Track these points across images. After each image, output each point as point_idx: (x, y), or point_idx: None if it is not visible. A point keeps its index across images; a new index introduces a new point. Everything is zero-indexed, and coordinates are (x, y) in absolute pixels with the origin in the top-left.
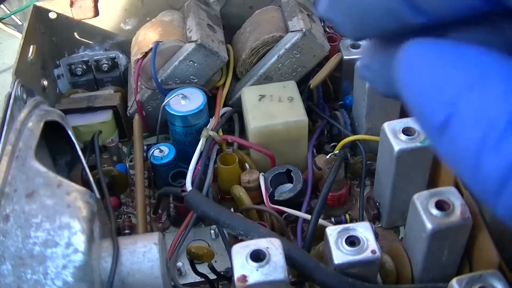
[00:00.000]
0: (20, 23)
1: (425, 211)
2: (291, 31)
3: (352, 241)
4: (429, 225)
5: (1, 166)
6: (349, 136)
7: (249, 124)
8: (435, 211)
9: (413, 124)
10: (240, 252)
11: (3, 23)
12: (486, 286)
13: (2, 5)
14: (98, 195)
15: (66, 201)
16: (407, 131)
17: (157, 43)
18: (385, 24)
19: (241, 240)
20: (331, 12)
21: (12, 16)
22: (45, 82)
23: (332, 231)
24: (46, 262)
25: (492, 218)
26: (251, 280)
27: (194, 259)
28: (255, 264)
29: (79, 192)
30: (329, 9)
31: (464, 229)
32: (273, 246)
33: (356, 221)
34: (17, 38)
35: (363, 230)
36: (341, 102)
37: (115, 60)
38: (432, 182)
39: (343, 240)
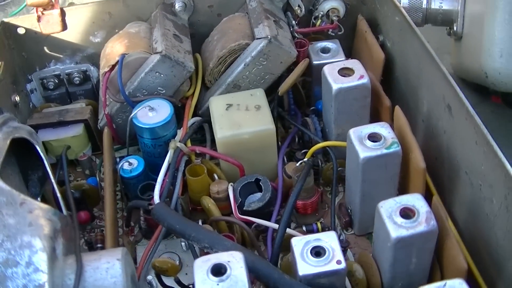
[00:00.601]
0: None
1: (389, 219)
2: (257, 38)
3: (318, 252)
4: (393, 234)
5: None
6: (319, 142)
7: (216, 134)
8: (399, 219)
9: (379, 130)
10: (202, 267)
11: None
12: None
13: None
14: (65, 211)
15: (28, 219)
16: (373, 137)
17: (123, 56)
18: None
19: (208, 253)
20: None
21: None
22: (17, 98)
23: (297, 242)
24: (6, 282)
25: (465, 221)
26: None
27: (160, 273)
28: (215, 279)
29: (41, 209)
30: None
31: (430, 236)
32: (234, 259)
33: (328, 229)
34: None
35: (329, 240)
36: (313, 107)
37: (87, 73)
38: (402, 187)
39: (309, 251)
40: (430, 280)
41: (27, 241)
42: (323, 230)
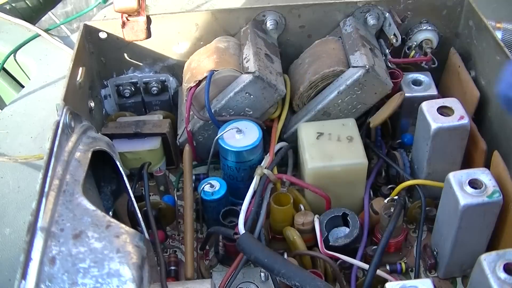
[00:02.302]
0: (66, 34)
1: (492, 274)
2: (353, 67)
3: None
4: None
5: (48, 203)
6: (408, 179)
7: (306, 164)
8: (503, 275)
9: (480, 176)
10: None
11: (49, 33)
12: None
13: (50, 13)
14: (146, 233)
15: (116, 245)
16: (473, 183)
17: (212, 72)
18: None
19: None
20: None
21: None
22: (92, 104)
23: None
24: None
25: None
26: None
27: None
28: None
29: (128, 234)
30: None
31: None
32: None
33: (412, 270)
34: (63, 50)
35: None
36: (399, 140)
37: (165, 83)
38: (497, 238)
39: None
40: None
41: (115, 269)
42: (407, 270)
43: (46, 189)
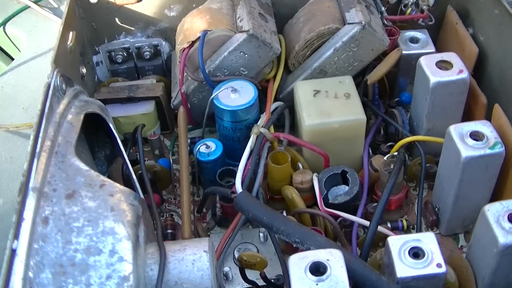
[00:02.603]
0: (55, 5)
1: (497, 224)
2: (349, 23)
3: (416, 253)
4: (501, 240)
5: (40, 164)
6: (407, 136)
7: (304, 121)
8: (508, 225)
9: (482, 128)
10: (298, 264)
11: (38, 5)
12: None
13: None
14: (141, 194)
15: (110, 204)
16: (475, 136)
17: (205, 32)
18: None
19: (296, 248)
20: None
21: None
22: (84, 70)
23: (394, 242)
24: (88, 272)
25: None
26: None
27: (245, 267)
28: (314, 278)
29: (123, 193)
30: None
31: None
32: (334, 258)
33: (414, 227)
34: (53, 21)
35: (428, 241)
36: (397, 99)
37: (158, 47)
38: (499, 190)
39: (406, 252)
40: None
41: (110, 227)
42: (408, 228)
43: (37, 150)
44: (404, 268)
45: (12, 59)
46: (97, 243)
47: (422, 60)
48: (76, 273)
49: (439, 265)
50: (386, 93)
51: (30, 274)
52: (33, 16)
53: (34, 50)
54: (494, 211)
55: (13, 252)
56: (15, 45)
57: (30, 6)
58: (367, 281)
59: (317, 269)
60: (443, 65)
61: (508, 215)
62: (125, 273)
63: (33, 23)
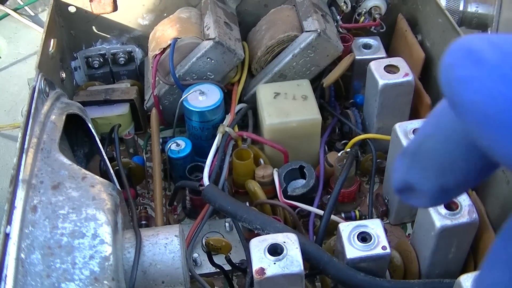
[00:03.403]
0: (32, 13)
1: (434, 210)
2: (306, 31)
3: (364, 237)
4: (438, 223)
5: (28, 158)
6: (360, 134)
7: (264, 121)
8: (444, 211)
9: None
10: (258, 246)
11: (17, 13)
12: None
13: None
14: (118, 186)
15: (91, 193)
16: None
17: (175, 40)
18: (464, 164)
19: (257, 234)
20: (411, 172)
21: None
22: (63, 74)
23: (345, 227)
24: (74, 253)
25: (498, 216)
26: (269, 272)
27: (212, 251)
28: (272, 258)
29: (102, 184)
30: (408, 170)
31: (471, 228)
32: (289, 240)
33: (365, 217)
34: (32, 28)
35: (375, 226)
36: (352, 100)
37: (132, 54)
38: None
39: (355, 236)
40: (463, 270)
41: (92, 214)
42: (361, 218)
43: (25, 146)
44: (353, 250)
45: None
46: (80, 228)
47: (372, 64)
48: (62, 254)
49: (384, 247)
50: (342, 95)
51: (22, 255)
52: (13, 24)
53: (14, 55)
54: None
55: (7, 235)
56: None
57: (9, 14)
58: (320, 261)
59: (275, 250)
60: (391, 69)
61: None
62: (106, 253)
63: (12, 30)
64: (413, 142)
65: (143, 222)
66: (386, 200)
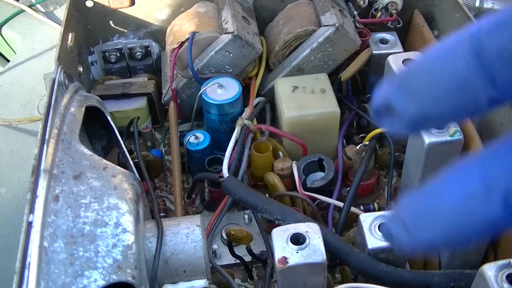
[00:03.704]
0: (48, 9)
1: None
2: (324, 25)
3: None
4: None
5: (49, 149)
6: (378, 128)
7: (283, 114)
8: None
9: None
10: (280, 235)
11: (32, 9)
12: None
13: None
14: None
15: (113, 183)
16: None
17: (193, 33)
18: (454, 100)
19: (277, 225)
20: (397, 94)
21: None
22: (81, 69)
23: (365, 218)
24: (96, 241)
25: None
26: (292, 262)
27: (233, 242)
28: (295, 247)
29: (124, 174)
30: (395, 92)
31: None
32: (312, 230)
33: (384, 210)
34: (46, 24)
35: None
36: (369, 95)
37: (148, 48)
38: None
39: (376, 227)
40: (484, 261)
41: (114, 203)
42: (379, 210)
43: (46, 137)
44: (374, 240)
45: (8, 61)
46: (103, 217)
47: (390, 58)
48: (85, 242)
49: None
50: (359, 90)
51: (45, 244)
52: (28, 20)
53: (30, 51)
54: None
55: (29, 224)
56: (11, 47)
57: (24, 10)
58: (341, 252)
59: (297, 240)
60: (408, 62)
61: None
62: (128, 242)
63: (28, 26)
64: (407, 70)
65: (162, 214)
66: (404, 193)
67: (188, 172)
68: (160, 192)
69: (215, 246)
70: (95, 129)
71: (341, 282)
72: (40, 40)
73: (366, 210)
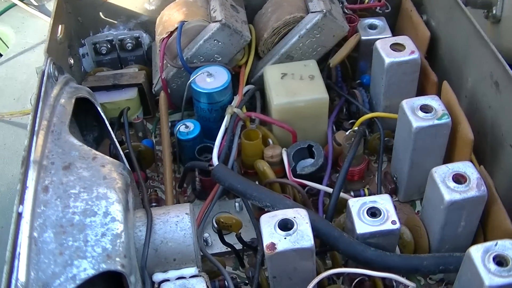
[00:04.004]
0: (36, 3)
1: (443, 184)
2: (312, 12)
3: (373, 213)
4: (446, 197)
5: (38, 140)
6: (367, 113)
7: (272, 101)
8: (452, 184)
9: (430, 102)
10: (269, 222)
11: (24, 3)
12: (501, 253)
13: None
14: (128, 167)
15: (102, 173)
16: (424, 108)
17: (182, 23)
18: None
19: (267, 212)
20: None
21: None
22: (71, 61)
23: (354, 203)
24: (86, 230)
25: (507, 190)
26: (280, 247)
27: (222, 229)
28: (283, 233)
29: (113, 164)
30: None
31: (480, 201)
32: (300, 216)
33: (374, 195)
34: (38, 17)
35: (384, 202)
36: (359, 81)
37: (139, 39)
38: (448, 157)
39: (365, 212)
40: (473, 244)
41: (103, 192)
42: (370, 195)
43: (36, 128)
44: (363, 225)
45: (1, 55)
46: (92, 206)
47: (378, 43)
48: (75, 232)
49: (393, 222)
50: (349, 76)
51: (35, 234)
52: (20, 14)
53: (22, 45)
54: (440, 172)
55: (19, 215)
56: (3, 42)
57: (16, 4)
58: (330, 237)
59: (285, 225)
60: (397, 47)
61: (453, 175)
62: (117, 231)
63: (20, 20)
64: None
65: (153, 204)
66: (394, 178)
67: (180, 161)
68: (152, 182)
69: (206, 235)
70: (87, 121)
71: (332, 268)
72: (32, 33)
73: (356, 196)
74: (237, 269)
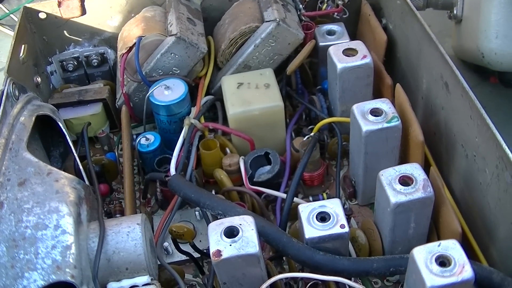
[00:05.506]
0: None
1: (389, 186)
2: (266, 21)
3: (323, 217)
4: (392, 200)
5: None
6: (325, 118)
7: (228, 110)
8: (399, 186)
9: (381, 105)
10: (215, 229)
11: (0, 23)
12: (443, 254)
13: (0, 5)
14: (87, 182)
15: (55, 188)
16: (375, 112)
17: (140, 38)
18: None
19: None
20: None
21: (11, 16)
22: (39, 79)
23: (304, 208)
24: (36, 243)
25: (461, 189)
26: (225, 254)
27: (176, 238)
28: (228, 240)
29: (67, 178)
30: None
31: (427, 202)
32: (245, 222)
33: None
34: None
35: (334, 206)
36: (319, 87)
37: (104, 55)
38: (403, 161)
39: (314, 216)
40: None
41: (55, 206)
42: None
43: None
44: (311, 230)
45: None
46: (44, 220)
47: (331, 49)
48: (26, 245)
49: (342, 226)
50: (310, 82)
51: None
52: None
53: None
54: (387, 175)
55: None
56: None
57: None
58: (279, 242)
59: (231, 233)
60: (349, 52)
61: (400, 178)
62: (67, 243)
63: None
64: None
65: (118, 215)
66: (353, 182)
67: (143, 173)
68: (117, 194)
69: (166, 244)
70: (53, 137)
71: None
72: (6, 53)
73: (315, 201)
74: (197, 277)
